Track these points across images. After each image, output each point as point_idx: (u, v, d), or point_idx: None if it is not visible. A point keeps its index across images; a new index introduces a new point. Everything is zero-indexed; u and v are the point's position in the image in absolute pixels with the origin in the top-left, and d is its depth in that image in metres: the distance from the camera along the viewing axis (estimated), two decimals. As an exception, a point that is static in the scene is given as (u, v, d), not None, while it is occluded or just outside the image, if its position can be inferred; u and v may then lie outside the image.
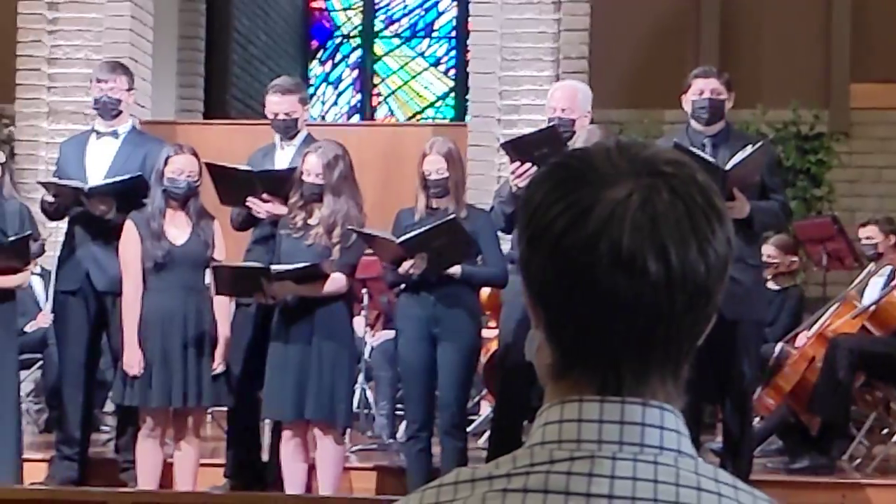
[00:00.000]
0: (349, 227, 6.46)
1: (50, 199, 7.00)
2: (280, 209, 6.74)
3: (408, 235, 6.41)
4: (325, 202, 6.51)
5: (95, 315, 7.04)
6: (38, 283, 8.96)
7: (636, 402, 1.26)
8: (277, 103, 7.09)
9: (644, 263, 1.23)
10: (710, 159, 6.18)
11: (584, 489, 1.22)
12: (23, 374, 7.62)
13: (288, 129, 7.10)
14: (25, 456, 6.87)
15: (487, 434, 7.40)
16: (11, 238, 6.58)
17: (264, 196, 6.84)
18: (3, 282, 6.63)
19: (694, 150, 6.11)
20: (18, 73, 10.16)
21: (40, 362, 8.88)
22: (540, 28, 9.81)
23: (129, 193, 6.83)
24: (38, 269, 8.60)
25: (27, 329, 8.61)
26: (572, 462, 1.24)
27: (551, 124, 6.64)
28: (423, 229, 6.38)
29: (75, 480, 6.93)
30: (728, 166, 6.21)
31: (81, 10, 10.12)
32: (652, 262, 1.23)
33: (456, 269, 6.47)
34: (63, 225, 7.42)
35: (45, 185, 7.11)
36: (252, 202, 6.85)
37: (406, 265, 6.43)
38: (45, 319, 8.69)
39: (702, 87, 6.57)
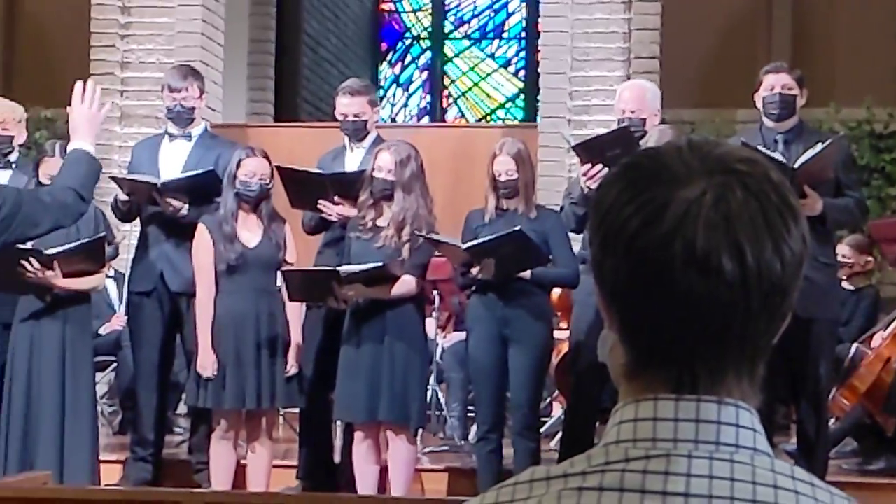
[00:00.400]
0: (416, 231, 6.46)
1: (124, 197, 7.05)
2: (351, 211, 6.75)
3: (473, 242, 6.40)
4: (396, 199, 6.51)
5: (169, 316, 7.09)
6: (111, 286, 9.05)
7: (711, 401, 1.26)
8: (347, 105, 7.10)
9: (719, 262, 1.23)
10: (778, 157, 6.12)
11: (660, 487, 1.22)
12: (97, 376, 7.68)
13: (357, 130, 7.11)
14: (100, 457, 6.92)
15: (559, 435, 7.38)
16: (85, 240, 6.65)
17: (335, 199, 6.85)
18: (78, 284, 6.69)
19: (760, 148, 6.06)
20: (92, 78, 10.24)
21: (114, 364, 8.96)
22: (611, 28, 9.78)
23: (202, 189, 6.86)
24: (111, 272, 8.68)
25: (101, 331, 8.69)
26: (648, 460, 1.23)
27: (623, 125, 6.61)
28: (487, 238, 6.36)
29: (149, 482, 6.99)
30: (797, 163, 6.15)
31: (153, 14, 10.22)
32: (727, 261, 1.23)
33: (526, 272, 6.45)
34: (137, 228, 7.48)
35: (118, 181, 7.15)
36: (323, 205, 6.87)
37: (474, 271, 6.42)
38: (118, 322, 8.77)
39: (773, 83, 6.53)
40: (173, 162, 7.16)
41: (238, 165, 6.69)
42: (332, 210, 6.86)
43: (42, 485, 4.72)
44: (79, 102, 4.68)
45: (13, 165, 7.48)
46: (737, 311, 1.24)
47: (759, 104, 6.56)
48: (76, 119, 4.68)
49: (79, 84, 4.80)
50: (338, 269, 6.47)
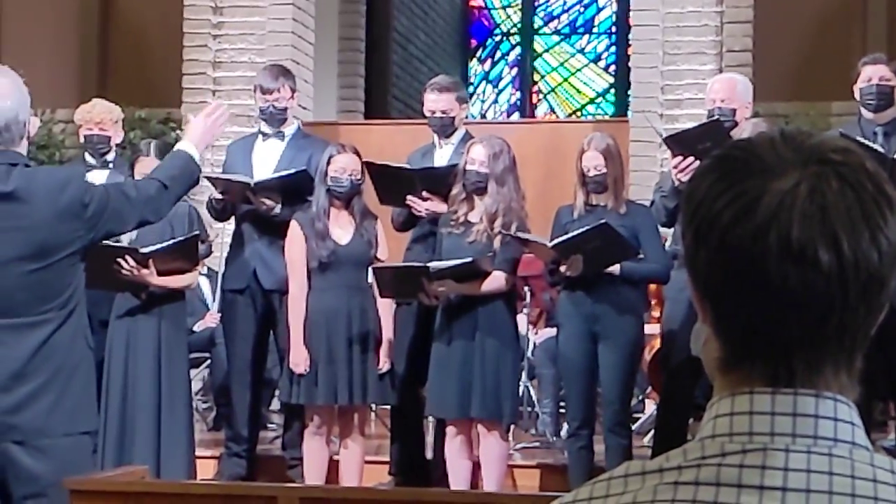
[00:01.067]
0: (504, 230, 6.43)
1: (218, 196, 7.11)
2: (440, 207, 6.75)
3: (560, 239, 6.37)
4: (489, 191, 6.49)
5: (263, 314, 7.14)
6: (205, 284, 9.13)
7: (809, 394, 1.24)
8: (434, 101, 7.11)
9: (815, 254, 1.21)
10: (878, 147, 6.05)
11: (758, 482, 1.21)
12: (192, 372, 7.76)
13: (444, 127, 7.11)
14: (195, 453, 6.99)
15: (652, 432, 7.34)
16: (180, 239, 6.71)
17: (424, 194, 6.86)
18: (173, 282, 6.75)
19: (860, 139, 5.99)
20: (185, 78, 10.37)
21: (208, 361, 9.05)
22: (702, 21, 9.71)
23: (294, 189, 6.90)
24: (204, 270, 8.76)
25: (195, 328, 8.77)
26: (744, 454, 1.22)
27: (715, 117, 6.56)
28: (574, 234, 6.32)
29: (243, 477, 7.04)
30: (897, 154, 6.07)
31: (245, 14, 10.31)
32: (823, 253, 1.21)
33: (615, 267, 6.42)
34: (230, 226, 7.54)
35: (211, 180, 7.22)
36: (412, 201, 6.88)
37: (563, 268, 6.40)
38: (212, 319, 8.84)
39: (870, 74, 6.47)
40: (266, 161, 7.21)
41: (329, 162, 6.72)
42: (421, 206, 6.87)
43: (139, 479, 4.77)
44: (205, 114, 4.72)
45: (110, 165, 7.58)
46: (834, 303, 1.22)
47: (857, 96, 6.50)
48: (191, 126, 4.71)
49: (214, 102, 4.87)
50: (428, 265, 6.48)
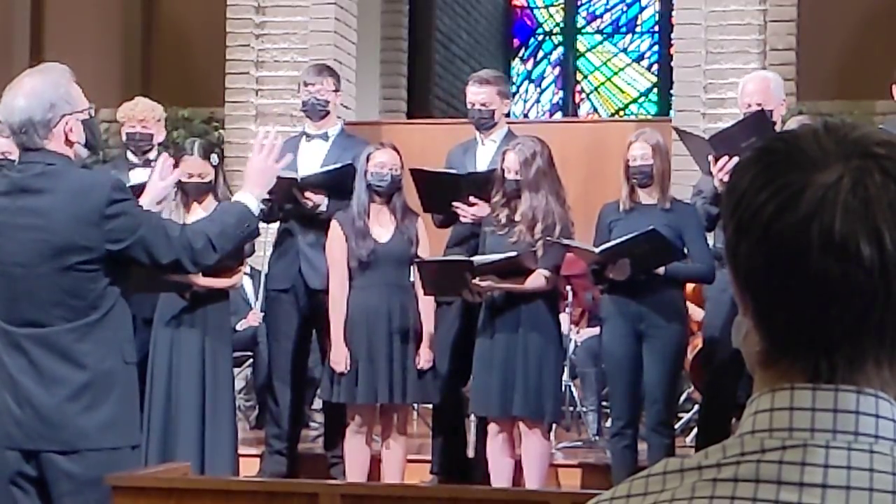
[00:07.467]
0: (548, 237, 6.42)
1: (265, 196, 7.11)
2: (485, 211, 6.74)
3: (607, 245, 6.36)
4: (523, 198, 6.49)
5: (306, 313, 7.15)
6: (248, 283, 9.15)
7: (850, 390, 1.23)
8: (475, 94, 7.11)
9: (857, 248, 1.20)
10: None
11: (797, 478, 1.19)
12: (234, 371, 7.77)
13: (484, 120, 7.07)
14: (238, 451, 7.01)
15: (695, 432, 7.31)
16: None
17: (470, 199, 6.84)
18: (218, 283, 6.77)
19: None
20: (228, 77, 10.40)
21: (250, 360, 9.07)
22: (745, 20, 9.66)
23: (340, 185, 6.90)
24: (247, 269, 8.77)
25: (238, 327, 8.78)
26: (784, 451, 1.21)
27: (759, 109, 6.50)
28: (622, 239, 6.31)
29: (285, 475, 7.06)
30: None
31: (287, 14, 10.33)
32: (865, 247, 1.20)
33: (660, 268, 6.40)
34: (273, 226, 7.55)
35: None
36: (458, 207, 6.85)
37: (609, 272, 6.38)
38: (255, 318, 8.87)
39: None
40: (311, 161, 7.23)
41: (368, 159, 6.73)
42: (467, 211, 6.85)
43: (182, 475, 4.79)
44: (256, 152, 4.57)
45: (152, 164, 7.60)
46: (875, 298, 1.21)
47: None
48: (249, 169, 4.58)
49: (260, 131, 4.72)
50: (471, 259, 6.48)
